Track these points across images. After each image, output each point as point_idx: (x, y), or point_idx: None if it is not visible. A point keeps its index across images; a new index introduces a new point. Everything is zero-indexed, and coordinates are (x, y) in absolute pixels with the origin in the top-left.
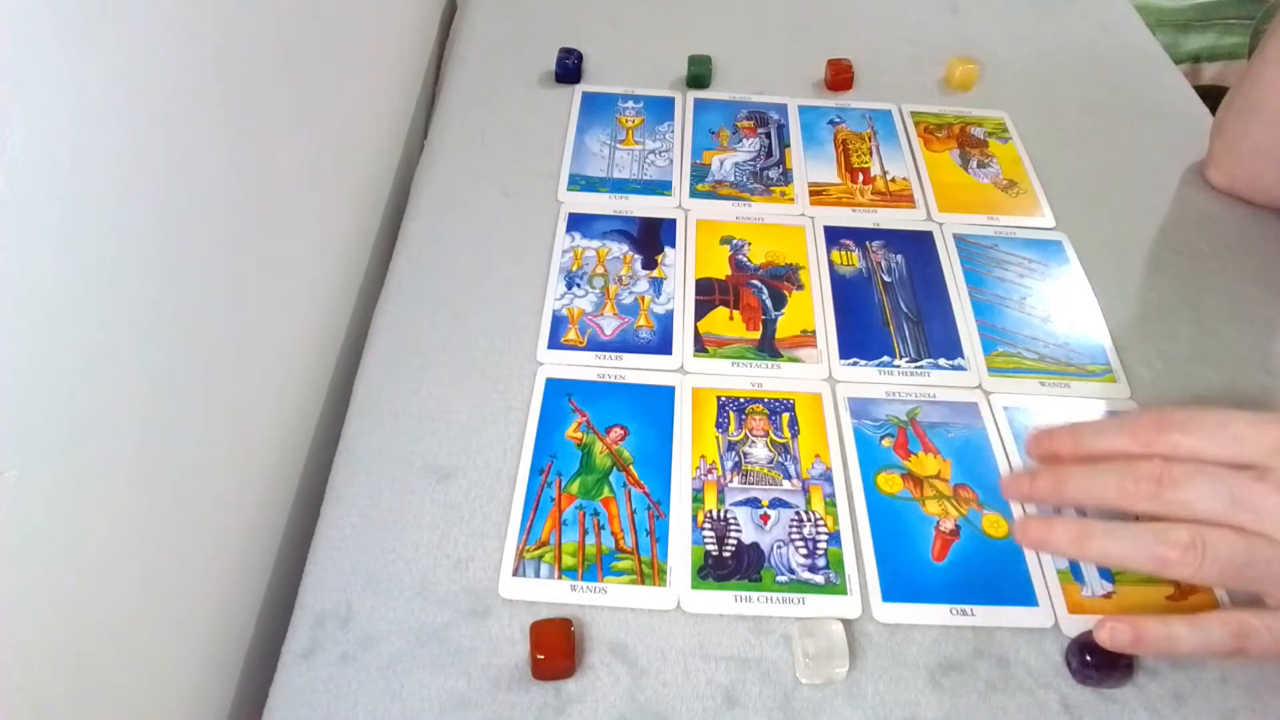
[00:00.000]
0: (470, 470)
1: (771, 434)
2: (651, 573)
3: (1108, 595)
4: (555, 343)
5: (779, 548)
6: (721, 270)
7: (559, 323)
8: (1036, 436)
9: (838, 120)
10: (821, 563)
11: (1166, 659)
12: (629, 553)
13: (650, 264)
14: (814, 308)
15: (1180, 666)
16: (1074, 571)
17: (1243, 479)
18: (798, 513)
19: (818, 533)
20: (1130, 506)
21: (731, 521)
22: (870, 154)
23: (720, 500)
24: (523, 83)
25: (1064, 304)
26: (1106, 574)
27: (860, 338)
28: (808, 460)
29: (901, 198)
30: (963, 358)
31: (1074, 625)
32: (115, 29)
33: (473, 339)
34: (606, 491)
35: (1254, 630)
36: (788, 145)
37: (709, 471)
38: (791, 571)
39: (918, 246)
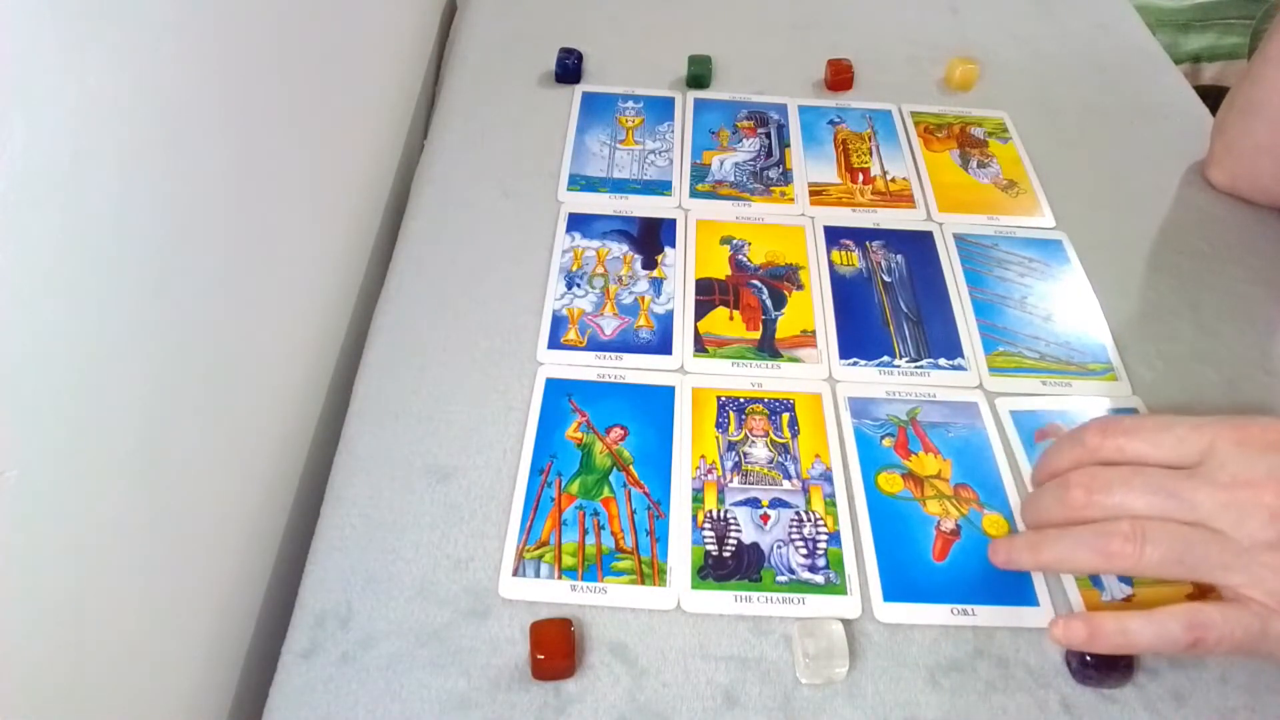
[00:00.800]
0: (470, 470)
1: (771, 434)
2: (651, 573)
3: (1127, 599)
4: (555, 343)
5: (779, 548)
6: (721, 270)
7: (559, 323)
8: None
9: (838, 120)
10: (821, 563)
11: (1125, 653)
12: (629, 553)
13: (650, 264)
14: (814, 308)
15: (1180, 666)
16: (1093, 577)
17: (1176, 477)
18: (798, 513)
19: (818, 533)
20: (1073, 517)
21: (731, 521)
22: (870, 154)
23: (720, 500)
24: (523, 83)
25: (1064, 303)
26: (1126, 578)
27: (860, 338)
28: (808, 460)
29: (901, 198)
30: (963, 357)
31: None
32: (115, 28)
33: (473, 339)
34: (606, 491)
35: (1209, 621)
36: (788, 145)
37: (709, 471)
38: (791, 571)
39: (918, 246)
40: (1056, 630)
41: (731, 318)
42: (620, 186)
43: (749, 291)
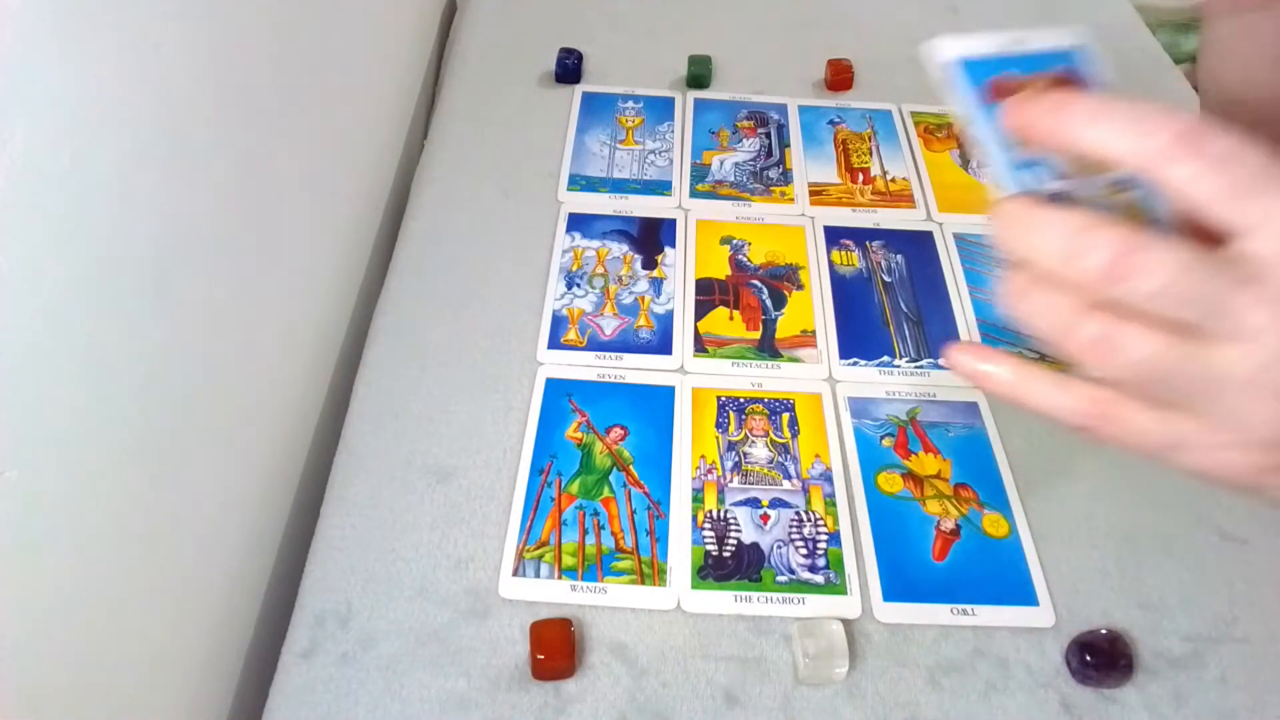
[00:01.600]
0: (470, 470)
1: (771, 434)
2: (651, 573)
3: None
4: (555, 343)
5: (779, 548)
6: (721, 270)
7: (559, 323)
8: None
9: (838, 120)
10: (821, 563)
11: (1012, 402)
12: (629, 553)
13: (650, 264)
14: (814, 308)
15: (1181, 666)
16: None
17: (1228, 280)
18: (798, 513)
19: (818, 533)
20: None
21: (731, 521)
22: (870, 154)
23: (720, 500)
24: (523, 83)
25: None
26: None
27: (860, 337)
28: (808, 460)
29: (901, 198)
30: None
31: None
32: (115, 29)
33: (473, 339)
34: (606, 491)
35: (1119, 419)
36: (788, 145)
37: (709, 471)
38: (791, 571)
39: (918, 246)
40: (954, 353)
41: (731, 318)
42: (620, 186)
43: (749, 291)
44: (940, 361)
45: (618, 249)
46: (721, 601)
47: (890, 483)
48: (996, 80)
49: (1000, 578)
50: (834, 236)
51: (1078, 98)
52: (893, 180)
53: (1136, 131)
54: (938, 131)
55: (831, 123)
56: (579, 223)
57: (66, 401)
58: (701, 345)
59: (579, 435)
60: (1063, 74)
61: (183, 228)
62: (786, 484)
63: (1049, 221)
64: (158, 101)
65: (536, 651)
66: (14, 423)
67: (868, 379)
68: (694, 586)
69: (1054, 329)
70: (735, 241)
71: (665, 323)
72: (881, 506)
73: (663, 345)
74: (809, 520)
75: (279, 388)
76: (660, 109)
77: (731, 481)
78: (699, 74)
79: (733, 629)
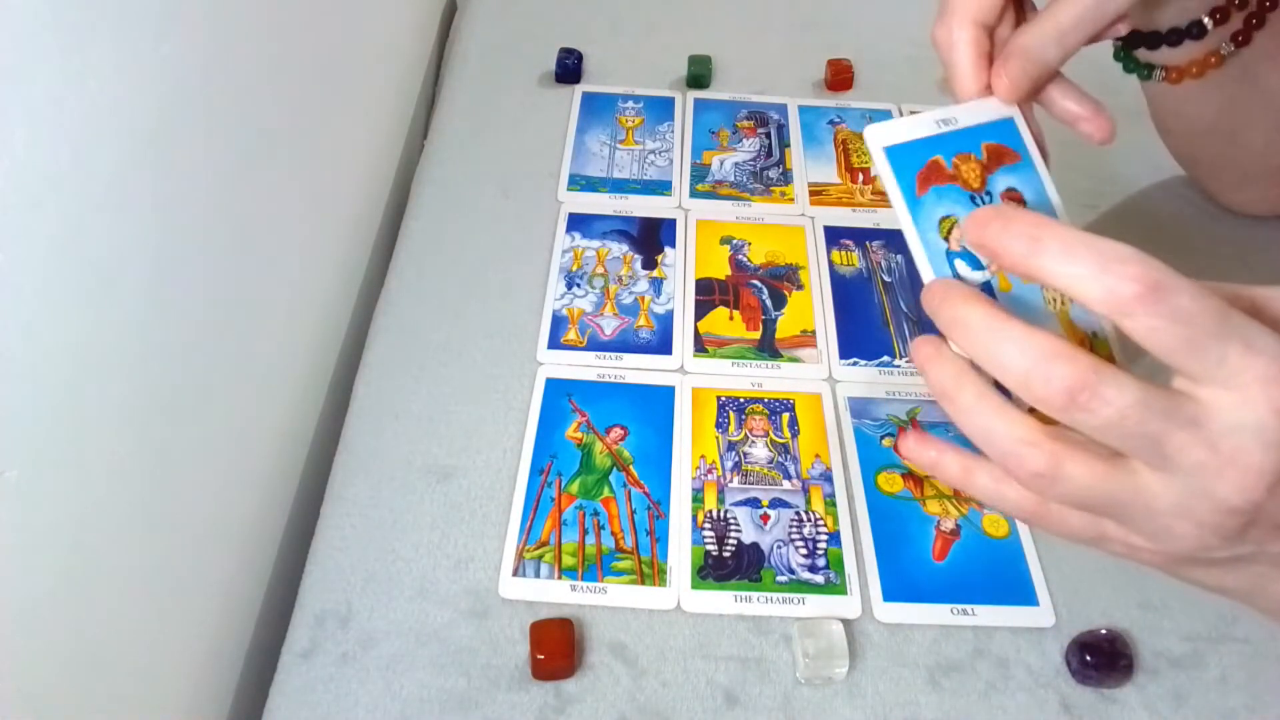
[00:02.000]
0: (470, 470)
1: (771, 434)
2: (651, 573)
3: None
4: (555, 343)
5: (779, 548)
6: (721, 270)
7: (559, 323)
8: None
9: (838, 120)
10: (821, 563)
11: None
12: (629, 553)
13: (650, 264)
14: (814, 308)
15: (1180, 666)
16: None
17: (1173, 420)
18: (798, 513)
19: (818, 533)
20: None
21: (731, 521)
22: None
23: (720, 500)
24: (523, 83)
25: None
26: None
27: (860, 338)
28: (808, 460)
29: None
30: None
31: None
32: (115, 29)
33: (473, 339)
34: (606, 491)
35: (1053, 518)
36: (788, 145)
37: (709, 471)
38: (791, 571)
39: None
40: (908, 441)
41: (731, 318)
42: (620, 186)
43: (749, 291)
44: (901, 445)
45: (618, 249)
46: (721, 601)
47: (890, 483)
48: (926, 168)
49: (1000, 578)
50: (834, 236)
51: (1050, 231)
52: None
53: (1105, 279)
54: None
55: (831, 123)
56: (579, 223)
57: (66, 401)
58: (701, 345)
59: (579, 435)
60: (994, 147)
61: (182, 227)
62: (786, 484)
63: (1015, 338)
64: (158, 101)
65: (536, 651)
66: (14, 423)
67: (868, 379)
68: (694, 586)
69: (999, 455)
70: (735, 241)
71: (665, 323)
72: (881, 506)
73: (663, 345)
74: (809, 520)
75: (279, 388)
76: (660, 109)
77: (731, 481)
78: (699, 74)
79: (733, 629)
